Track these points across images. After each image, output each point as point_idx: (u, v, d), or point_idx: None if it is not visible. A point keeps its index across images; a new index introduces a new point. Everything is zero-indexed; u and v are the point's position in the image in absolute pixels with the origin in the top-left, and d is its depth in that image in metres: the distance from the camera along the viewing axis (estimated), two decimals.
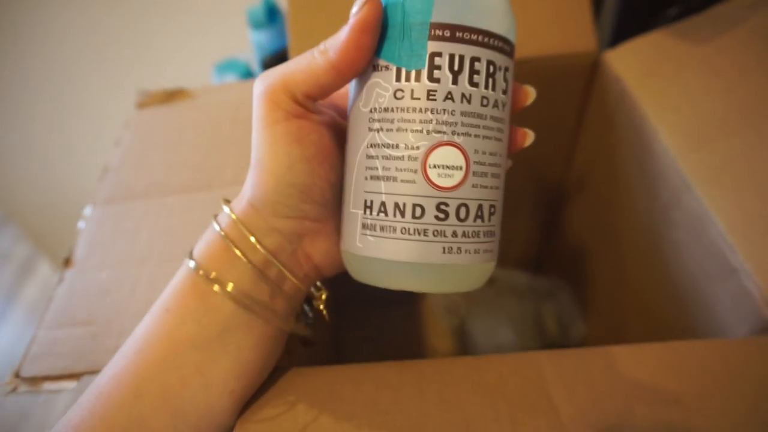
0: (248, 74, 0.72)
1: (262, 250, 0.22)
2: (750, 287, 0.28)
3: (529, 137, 0.24)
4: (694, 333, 0.34)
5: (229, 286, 0.22)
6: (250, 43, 0.73)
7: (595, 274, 0.50)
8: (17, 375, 0.27)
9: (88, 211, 0.35)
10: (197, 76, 0.79)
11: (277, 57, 0.70)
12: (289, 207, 0.22)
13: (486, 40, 0.20)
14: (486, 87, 0.20)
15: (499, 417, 0.21)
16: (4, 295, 1.54)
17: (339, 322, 0.58)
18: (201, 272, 0.22)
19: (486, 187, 0.21)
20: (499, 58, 0.21)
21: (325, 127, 0.22)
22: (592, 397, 0.22)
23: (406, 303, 0.60)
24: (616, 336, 0.46)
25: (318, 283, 0.25)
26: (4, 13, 0.86)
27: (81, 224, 0.34)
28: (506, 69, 0.21)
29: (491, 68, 0.20)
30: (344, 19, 0.20)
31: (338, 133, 0.23)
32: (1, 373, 1.38)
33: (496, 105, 0.21)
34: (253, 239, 0.22)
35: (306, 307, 0.26)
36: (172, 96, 0.41)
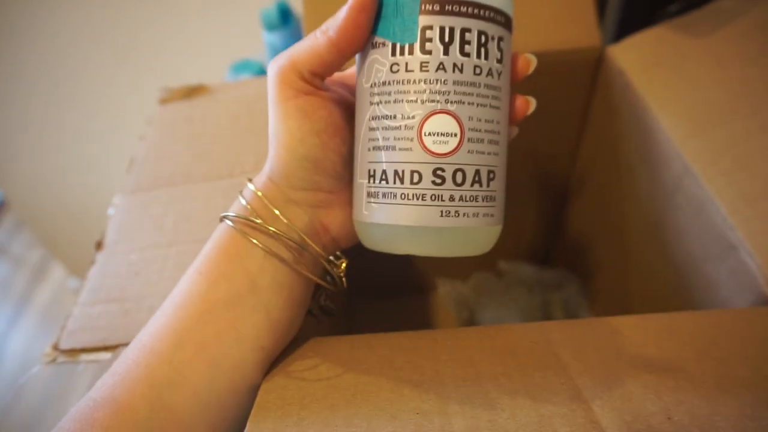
0: (262, 74, 0.74)
1: (283, 219, 0.24)
2: (749, 263, 0.29)
3: (531, 104, 0.25)
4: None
5: (259, 238, 0.23)
6: (263, 44, 0.75)
7: (601, 264, 0.51)
8: (56, 348, 0.28)
9: (117, 199, 0.37)
10: (213, 76, 0.81)
11: None
12: (303, 179, 0.24)
13: (476, 11, 0.21)
14: (478, 56, 0.21)
15: (509, 371, 0.22)
16: (17, 299, 1.56)
17: (351, 313, 0.59)
18: (236, 225, 0.24)
19: (483, 152, 0.22)
20: (492, 28, 0.22)
21: (335, 103, 0.24)
22: (599, 357, 0.23)
23: (418, 296, 0.62)
24: None
25: (338, 253, 0.27)
26: (27, 16, 0.89)
27: (111, 210, 0.36)
28: (500, 39, 0.22)
29: (483, 38, 0.21)
30: None
31: (348, 109, 0.25)
32: (16, 375, 1.39)
33: (490, 73, 0.22)
34: (276, 212, 0.24)
35: (327, 278, 0.27)
36: (192, 91, 0.43)
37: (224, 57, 0.77)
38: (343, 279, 0.27)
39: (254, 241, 0.23)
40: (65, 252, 1.35)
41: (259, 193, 0.24)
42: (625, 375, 0.22)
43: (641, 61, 0.41)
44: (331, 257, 0.26)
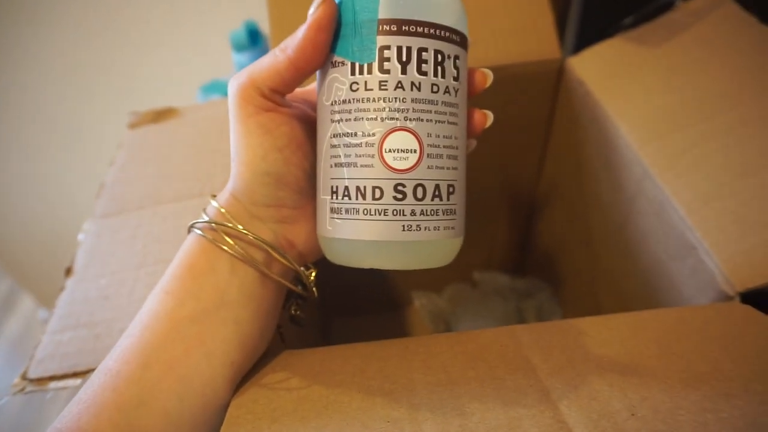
0: None
1: (249, 235, 0.24)
2: (707, 262, 0.30)
3: (488, 118, 0.26)
4: None
5: (227, 246, 0.23)
6: (233, 65, 0.75)
7: (571, 270, 0.52)
8: (24, 377, 0.28)
9: (87, 225, 0.36)
10: (184, 98, 0.81)
11: None
12: (266, 195, 0.24)
13: (432, 31, 0.22)
14: (435, 75, 0.22)
15: (481, 375, 0.22)
16: None
17: (327, 330, 0.59)
18: (204, 233, 0.24)
19: (442, 167, 0.22)
20: (447, 47, 0.22)
21: (296, 119, 0.24)
22: (566, 357, 0.23)
23: (394, 310, 0.62)
24: None
25: (308, 264, 0.27)
26: None
27: (81, 236, 0.35)
28: (456, 57, 0.23)
29: (439, 57, 0.22)
30: None
31: (309, 124, 0.25)
32: None
33: (447, 91, 0.22)
34: (240, 227, 0.24)
35: (295, 285, 0.27)
36: (161, 115, 0.43)
37: (195, 78, 0.77)
38: (314, 288, 0.27)
39: (224, 247, 0.23)
40: (34, 283, 1.32)
41: (223, 210, 0.24)
42: (591, 374, 0.22)
43: (600, 71, 0.42)
44: (302, 267, 0.27)
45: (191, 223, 0.25)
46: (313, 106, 0.26)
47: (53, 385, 0.27)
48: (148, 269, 0.31)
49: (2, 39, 0.87)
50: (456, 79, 0.23)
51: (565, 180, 0.50)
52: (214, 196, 0.25)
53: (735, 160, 0.33)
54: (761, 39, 0.39)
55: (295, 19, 0.43)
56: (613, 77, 0.41)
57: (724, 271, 0.29)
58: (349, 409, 0.21)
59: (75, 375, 0.27)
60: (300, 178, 0.24)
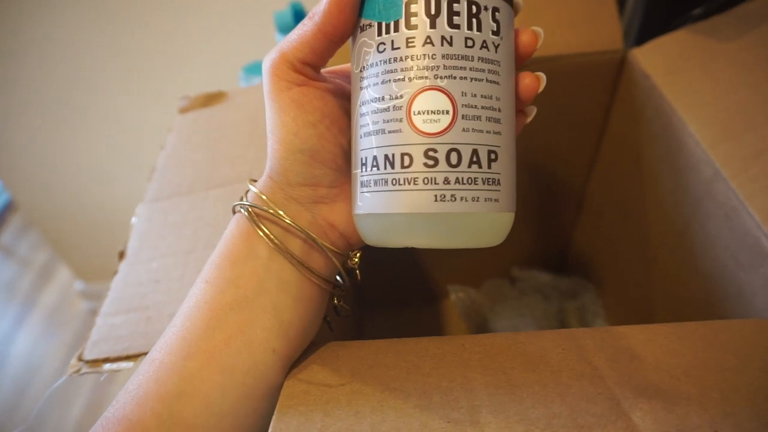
0: None
1: (286, 219, 0.23)
2: None
3: (541, 81, 0.23)
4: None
5: (267, 231, 0.23)
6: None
7: (619, 272, 0.50)
8: (80, 358, 0.28)
9: (139, 209, 0.37)
10: (227, 78, 0.81)
11: None
12: (301, 173, 0.23)
13: None
14: (470, 28, 0.20)
15: (543, 380, 0.21)
16: (23, 301, 1.56)
17: (362, 323, 0.58)
18: (246, 216, 0.23)
19: (481, 131, 0.20)
20: None
21: (331, 93, 0.23)
22: (635, 365, 0.22)
23: (429, 303, 0.61)
24: None
25: (352, 247, 0.26)
26: (47, 21, 0.89)
27: (133, 220, 0.36)
28: (495, 9, 0.21)
29: (473, 8, 0.20)
30: None
31: (347, 100, 0.24)
32: (20, 376, 1.39)
33: (484, 46, 0.20)
34: (281, 212, 0.23)
35: (338, 278, 0.26)
36: (211, 99, 0.43)
37: (239, 59, 0.76)
38: (357, 271, 0.26)
39: (261, 233, 0.23)
40: (72, 254, 1.35)
41: (259, 193, 0.24)
42: (664, 385, 0.21)
43: (666, 64, 0.40)
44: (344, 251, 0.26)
45: (233, 204, 0.24)
46: (350, 80, 0.25)
47: (107, 366, 0.28)
48: (198, 254, 0.31)
49: (55, 19, 0.89)
50: (495, 33, 0.21)
51: (620, 178, 0.47)
52: (253, 181, 0.25)
53: None
54: None
55: None
56: (681, 71, 0.39)
57: None
58: (406, 407, 0.20)
59: (128, 358, 0.27)
60: (337, 155, 0.23)
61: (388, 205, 0.20)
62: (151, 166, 0.39)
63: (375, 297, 0.58)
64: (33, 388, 1.32)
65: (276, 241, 0.23)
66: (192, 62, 0.93)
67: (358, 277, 0.26)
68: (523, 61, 0.23)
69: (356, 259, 0.26)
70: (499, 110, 0.21)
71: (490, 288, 0.59)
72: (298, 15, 0.72)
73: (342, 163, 0.24)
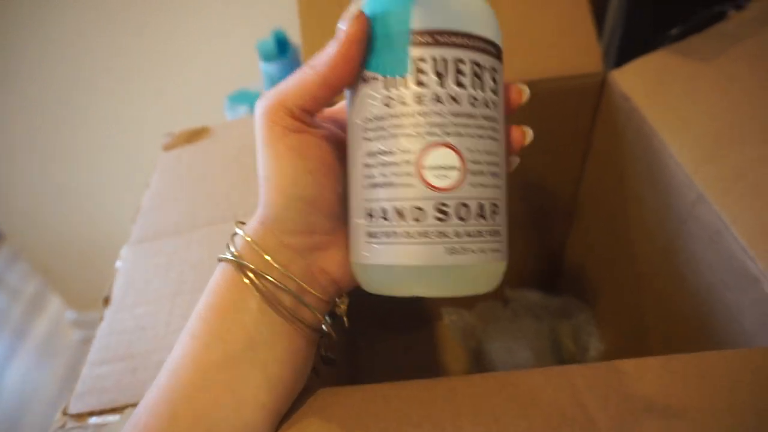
0: None
1: (276, 266, 0.23)
2: None
3: (527, 134, 0.24)
4: (718, 343, 0.34)
5: (249, 307, 0.22)
6: (261, 75, 0.75)
7: (610, 291, 0.50)
8: (65, 413, 0.28)
9: (124, 251, 0.36)
10: (211, 108, 0.81)
11: None
12: (298, 221, 0.23)
13: (468, 42, 0.21)
14: (474, 87, 0.21)
15: (534, 427, 0.21)
16: (14, 331, 1.54)
17: (355, 347, 0.58)
18: (234, 266, 0.23)
19: (485, 185, 0.21)
20: (484, 59, 0.21)
21: (326, 140, 0.23)
22: (627, 407, 0.22)
23: (423, 327, 0.60)
24: (638, 351, 0.46)
25: (341, 293, 0.26)
26: (36, 51, 0.89)
27: (118, 264, 0.35)
28: (493, 69, 0.22)
29: (477, 69, 0.21)
30: None
31: (340, 146, 0.24)
32: (13, 407, 1.36)
33: (486, 104, 0.21)
34: (267, 257, 0.23)
35: (324, 324, 0.26)
36: (194, 135, 0.42)
37: (223, 88, 0.76)
38: (345, 319, 0.25)
39: (248, 280, 0.22)
40: (62, 284, 1.34)
41: (249, 239, 0.23)
42: (655, 429, 0.20)
43: (646, 85, 0.40)
44: (336, 299, 0.25)
45: (219, 256, 0.24)
46: (343, 126, 0.25)
47: (93, 420, 0.27)
48: (184, 297, 0.31)
49: (45, 50, 0.89)
50: (494, 92, 0.22)
51: (606, 197, 0.48)
52: (240, 223, 0.24)
53: None
54: None
55: (327, 28, 0.42)
56: (660, 92, 0.39)
57: None
58: None
59: (113, 410, 0.27)
60: (333, 202, 0.23)
61: (401, 257, 0.21)
62: (138, 193, 0.38)
63: (370, 319, 0.58)
64: (26, 420, 1.29)
65: (266, 292, 0.22)
66: (177, 91, 0.93)
67: (346, 324, 0.26)
68: (509, 114, 0.24)
69: (344, 306, 0.25)
70: (498, 165, 0.22)
71: (483, 310, 0.59)
72: (281, 43, 0.72)
73: (337, 209, 0.24)
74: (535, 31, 0.42)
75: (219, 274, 0.24)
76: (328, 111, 0.26)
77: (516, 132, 0.24)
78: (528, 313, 0.57)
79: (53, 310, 1.58)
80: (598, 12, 0.58)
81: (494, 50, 0.22)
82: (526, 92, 0.24)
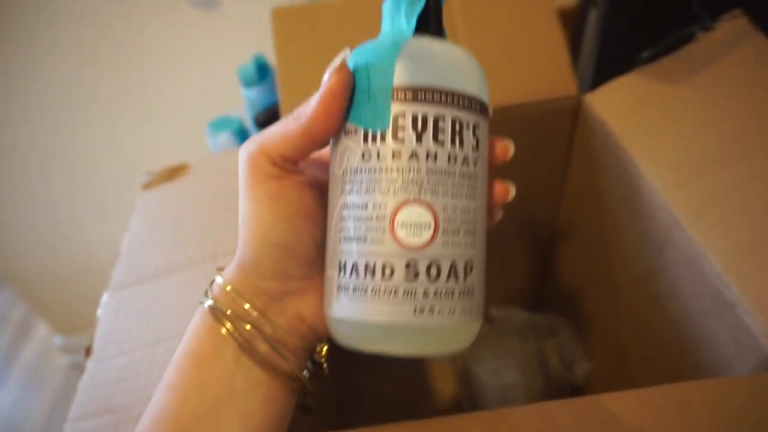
0: (241, 130, 0.73)
1: (253, 313, 0.23)
2: (749, 322, 0.28)
3: (510, 192, 0.24)
4: (697, 367, 0.34)
5: (225, 355, 0.22)
6: (242, 100, 0.75)
7: (594, 310, 0.51)
8: None
9: (104, 298, 0.36)
10: (193, 134, 0.81)
11: (269, 112, 0.72)
12: (274, 267, 0.23)
13: (449, 99, 0.21)
14: (453, 144, 0.21)
15: None
16: (2, 357, 1.52)
17: (341, 370, 0.58)
18: (211, 313, 0.23)
19: (459, 244, 0.21)
20: (466, 116, 0.21)
21: (308, 186, 0.23)
22: None
23: None
24: (621, 371, 0.46)
25: (321, 339, 0.26)
26: (23, 83, 0.89)
27: (99, 312, 0.35)
28: (475, 126, 0.22)
29: (457, 126, 0.21)
30: None
31: (322, 192, 0.24)
32: None
33: (465, 162, 0.21)
34: (246, 305, 0.23)
35: (303, 372, 0.26)
36: (173, 172, 0.42)
37: (204, 115, 0.76)
38: (325, 365, 0.25)
39: (224, 329, 0.22)
40: (49, 309, 1.33)
41: (228, 287, 0.23)
42: None
43: (619, 108, 0.41)
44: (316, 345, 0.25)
45: (200, 300, 0.24)
46: (326, 170, 0.25)
47: None
48: (165, 345, 0.30)
49: (26, 92, 0.88)
50: (475, 149, 0.22)
51: (584, 221, 0.48)
52: (220, 269, 0.24)
53: None
54: None
55: (303, 58, 0.43)
56: (633, 115, 0.40)
57: None
58: None
59: None
60: (310, 249, 0.23)
61: (367, 314, 0.21)
62: (124, 216, 0.38)
63: None
64: None
65: (243, 341, 0.22)
66: (156, 117, 0.93)
67: (326, 372, 0.26)
68: (494, 169, 0.24)
69: (323, 353, 0.25)
70: (476, 222, 0.22)
71: None
72: (262, 68, 0.72)
73: (314, 255, 0.24)
74: (510, 57, 0.43)
75: (196, 322, 0.24)
76: (316, 154, 0.26)
77: (499, 188, 0.24)
78: (514, 332, 0.57)
79: (41, 335, 1.56)
80: (575, 36, 0.58)
81: (478, 106, 0.22)
82: (510, 149, 0.24)
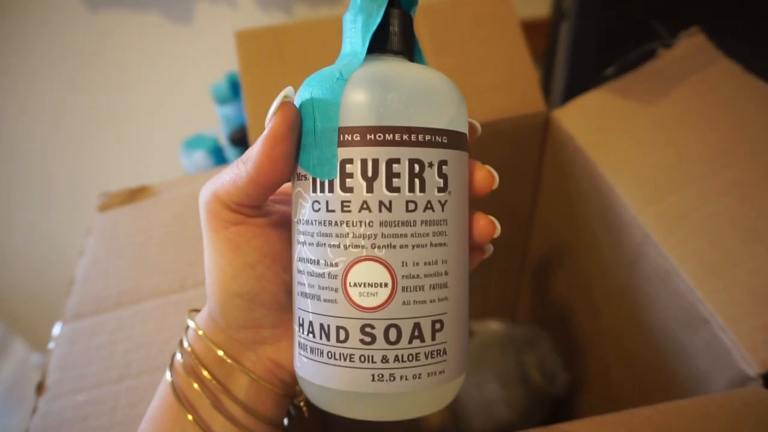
0: (216, 149, 0.72)
1: (228, 360, 0.22)
2: (723, 338, 0.28)
3: (496, 228, 0.22)
4: (675, 380, 0.34)
5: (202, 407, 0.21)
6: (217, 118, 0.74)
7: (573, 322, 0.51)
8: None
9: (56, 329, 0.33)
10: (167, 153, 0.80)
11: (244, 130, 0.71)
12: (240, 317, 0.22)
13: (406, 137, 0.18)
14: (411, 189, 0.18)
15: None
16: None
17: None
18: (179, 377, 0.21)
19: (424, 301, 0.19)
20: (429, 154, 0.18)
21: (272, 227, 0.22)
22: None
23: None
24: (602, 383, 0.46)
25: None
26: None
27: (51, 345, 0.32)
28: (442, 163, 0.19)
29: (416, 167, 0.18)
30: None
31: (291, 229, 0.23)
32: None
33: (429, 207, 0.19)
34: (218, 351, 0.22)
35: (290, 410, 0.25)
36: (134, 194, 0.40)
37: (179, 133, 0.75)
38: (304, 409, 0.24)
39: (191, 416, 0.21)
40: (26, 327, 1.29)
41: (201, 332, 0.22)
42: None
43: (587, 124, 0.41)
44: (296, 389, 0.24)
45: (173, 353, 0.22)
46: None
47: None
48: (130, 382, 0.28)
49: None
50: (443, 189, 0.19)
51: (559, 233, 0.48)
52: (193, 311, 0.23)
53: (739, 224, 0.32)
54: (747, 87, 0.38)
55: (269, 80, 0.42)
56: (601, 131, 0.40)
57: (741, 349, 0.27)
58: None
59: None
60: (278, 294, 0.22)
61: (324, 379, 0.19)
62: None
63: None
64: None
65: (217, 386, 0.21)
66: (130, 134, 0.91)
67: (306, 414, 0.25)
68: (475, 200, 0.21)
69: (302, 396, 0.24)
70: (446, 273, 0.19)
71: None
72: (235, 86, 0.72)
73: (284, 300, 0.22)
74: (477, 76, 0.43)
75: (160, 399, 0.22)
76: (285, 188, 0.24)
77: (482, 222, 0.21)
78: (494, 346, 0.56)
79: (18, 354, 1.51)
80: (549, 50, 0.59)
81: (444, 139, 0.19)
82: (495, 179, 0.22)
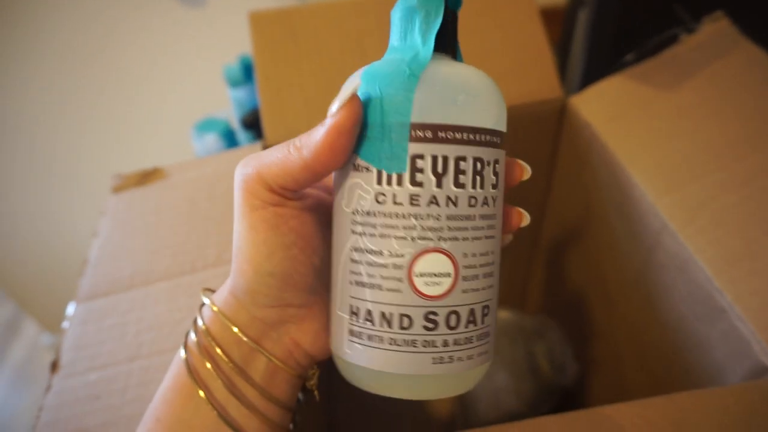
0: (228, 132, 0.72)
1: (246, 340, 0.21)
2: (741, 328, 0.28)
3: (524, 218, 0.23)
4: (690, 371, 0.34)
5: (216, 388, 0.21)
6: (229, 100, 0.74)
7: (583, 310, 0.50)
8: None
9: (70, 309, 0.33)
10: (178, 135, 0.80)
11: (256, 113, 0.71)
12: (270, 296, 0.21)
13: (471, 136, 0.19)
14: (474, 186, 0.19)
15: None
16: None
17: (332, 379, 0.57)
18: (187, 374, 0.21)
19: (477, 289, 0.20)
20: (488, 153, 0.20)
21: (308, 211, 0.22)
22: None
23: None
24: (615, 374, 0.46)
25: (312, 366, 0.25)
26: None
27: (65, 324, 0.33)
28: (496, 161, 0.20)
29: (478, 165, 0.19)
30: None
31: (323, 215, 0.23)
32: None
33: (485, 202, 0.20)
34: (236, 329, 0.21)
35: (298, 396, 0.25)
36: (147, 177, 0.40)
37: (190, 115, 0.75)
38: (316, 392, 0.24)
39: (202, 392, 0.21)
40: (37, 307, 1.31)
41: (215, 308, 0.22)
42: None
43: (604, 111, 0.40)
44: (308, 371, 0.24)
45: (186, 332, 0.22)
46: (330, 190, 0.24)
47: None
48: (142, 362, 0.29)
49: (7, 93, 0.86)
50: (495, 186, 0.20)
51: (574, 221, 0.48)
52: (209, 292, 0.23)
53: (760, 214, 0.31)
54: None
55: (283, 63, 0.42)
56: (618, 118, 0.40)
57: (761, 340, 0.27)
58: None
59: None
60: (308, 276, 0.22)
61: (384, 364, 0.20)
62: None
63: None
64: None
65: (234, 366, 0.21)
66: (141, 116, 0.91)
67: (317, 398, 0.25)
68: (509, 189, 0.23)
69: (314, 380, 0.24)
70: (494, 263, 0.21)
71: None
72: (247, 68, 0.71)
73: (313, 282, 0.22)
74: (494, 61, 0.42)
75: (172, 378, 0.22)
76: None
77: (514, 215, 0.23)
78: (503, 336, 0.56)
79: (29, 334, 1.54)
80: (566, 35, 0.58)
81: (498, 139, 0.20)
82: (527, 171, 0.23)
